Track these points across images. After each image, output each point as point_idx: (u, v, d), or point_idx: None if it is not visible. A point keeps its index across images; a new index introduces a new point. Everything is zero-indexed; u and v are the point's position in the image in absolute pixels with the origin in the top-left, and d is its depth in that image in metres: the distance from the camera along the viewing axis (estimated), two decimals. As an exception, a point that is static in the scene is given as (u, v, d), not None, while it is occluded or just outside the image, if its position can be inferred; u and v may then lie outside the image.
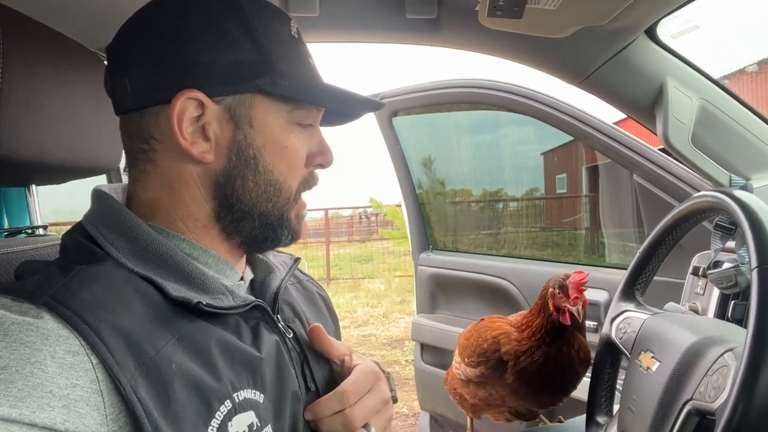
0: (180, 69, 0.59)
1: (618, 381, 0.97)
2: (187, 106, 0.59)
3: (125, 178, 0.68)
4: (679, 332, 0.76)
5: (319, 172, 0.72)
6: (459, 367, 1.15)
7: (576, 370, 1.04)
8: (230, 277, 0.66)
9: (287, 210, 0.66)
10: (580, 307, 0.98)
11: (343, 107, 0.70)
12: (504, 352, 1.04)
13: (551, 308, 1.00)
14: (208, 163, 0.61)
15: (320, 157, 0.69)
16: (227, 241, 0.65)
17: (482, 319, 1.17)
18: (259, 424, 0.56)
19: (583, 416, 0.97)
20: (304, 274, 0.88)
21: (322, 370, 0.70)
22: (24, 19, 0.80)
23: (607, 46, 1.09)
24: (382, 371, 0.75)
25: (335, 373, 0.71)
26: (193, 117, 0.59)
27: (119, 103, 0.63)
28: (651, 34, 1.10)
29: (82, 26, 1.05)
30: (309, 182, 0.70)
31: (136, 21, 0.62)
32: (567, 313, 0.98)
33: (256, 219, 0.64)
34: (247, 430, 0.55)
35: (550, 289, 1.01)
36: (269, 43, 0.61)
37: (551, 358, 1.01)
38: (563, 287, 0.99)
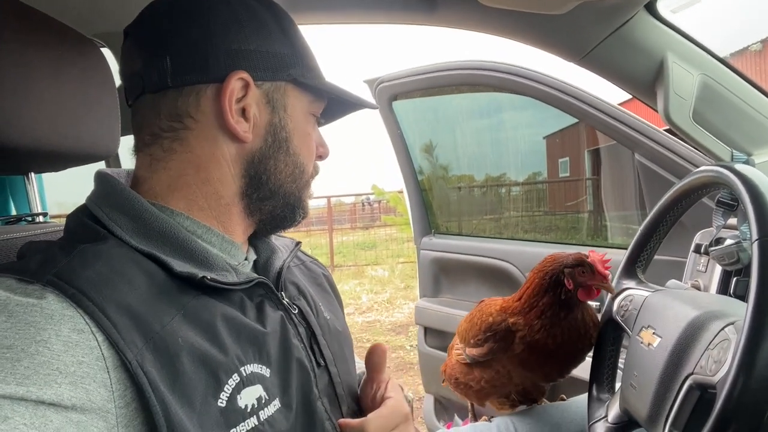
0: (229, 52, 0.63)
1: (620, 360, 0.97)
2: (236, 86, 0.62)
3: (124, 164, 0.69)
4: (680, 308, 0.76)
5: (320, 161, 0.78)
6: (462, 352, 1.14)
7: (590, 335, 1.01)
8: (234, 256, 0.67)
9: (304, 191, 0.72)
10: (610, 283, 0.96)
11: (349, 102, 0.76)
12: (512, 322, 1.02)
13: (567, 286, 0.97)
14: (245, 143, 0.65)
15: (321, 148, 0.76)
16: (246, 219, 0.69)
17: (482, 301, 1.16)
18: (267, 397, 0.57)
19: (585, 394, 0.98)
20: (308, 256, 0.90)
21: (330, 346, 0.72)
22: (19, 5, 0.79)
23: (607, 22, 1.08)
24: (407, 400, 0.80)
25: (365, 396, 0.76)
26: (237, 97, 0.63)
27: (151, 81, 0.63)
28: (651, 8, 1.08)
29: (78, 12, 1.04)
30: (316, 170, 0.76)
31: (176, 3, 0.64)
32: (593, 290, 0.96)
33: (281, 198, 0.69)
34: (255, 403, 0.56)
35: (567, 270, 0.98)
36: (297, 39, 0.68)
37: (563, 331, 0.98)
38: (584, 265, 0.97)
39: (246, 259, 0.70)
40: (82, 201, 0.65)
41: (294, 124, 0.68)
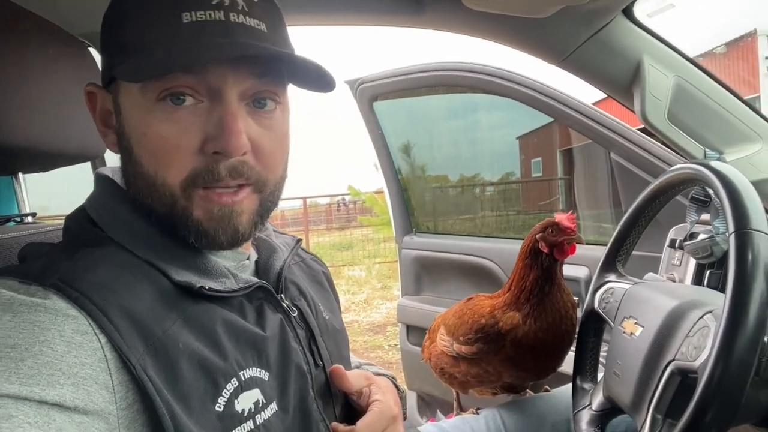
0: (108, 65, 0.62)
1: (601, 353, 1.00)
2: (91, 96, 0.64)
3: (110, 165, 0.68)
4: (660, 298, 0.79)
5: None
6: (450, 345, 1.15)
7: (570, 315, 1.03)
8: (231, 258, 0.66)
9: (179, 208, 0.58)
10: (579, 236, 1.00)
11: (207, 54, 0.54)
12: (502, 324, 1.03)
13: (544, 249, 1.00)
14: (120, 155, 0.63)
15: (210, 143, 0.55)
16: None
17: (470, 298, 1.18)
18: (264, 401, 0.58)
19: (569, 385, 1.01)
20: (308, 253, 0.89)
21: (329, 347, 0.72)
22: (7, 4, 0.79)
23: (587, 26, 1.11)
24: (397, 387, 0.79)
25: (353, 403, 0.73)
26: (99, 107, 0.64)
27: None
28: (628, 13, 1.12)
29: (65, 12, 1.03)
30: (206, 175, 0.56)
31: None
32: (565, 246, 0.99)
33: (155, 218, 0.60)
34: (252, 407, 0.56)
35: (538, 235, 1.01)
36: (139, 22, 0.56)
37: (549, 312, 1.01)
38: (552, 226, 1.00)
39: (248, 258, 0.70)
40: (60, 198, 0.65)
41: (130, 126, 0.58)
